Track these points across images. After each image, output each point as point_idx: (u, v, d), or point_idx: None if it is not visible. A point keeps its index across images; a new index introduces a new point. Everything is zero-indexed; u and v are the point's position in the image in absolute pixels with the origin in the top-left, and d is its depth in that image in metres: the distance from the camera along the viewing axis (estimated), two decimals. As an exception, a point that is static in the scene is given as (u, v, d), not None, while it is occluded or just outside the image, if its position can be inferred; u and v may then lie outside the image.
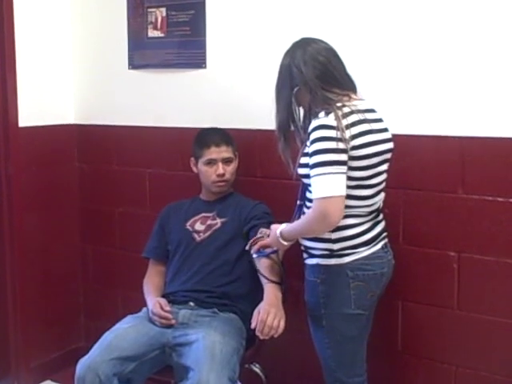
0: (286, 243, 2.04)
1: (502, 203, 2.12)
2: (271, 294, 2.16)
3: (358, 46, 2.30)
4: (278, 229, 2.03)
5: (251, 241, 2.26)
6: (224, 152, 2.44)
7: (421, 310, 2.31)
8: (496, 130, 2.12)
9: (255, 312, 2.08)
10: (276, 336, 2.04)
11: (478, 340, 2.22)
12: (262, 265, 2.25)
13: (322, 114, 1.87)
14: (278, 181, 2.52)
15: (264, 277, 2.21)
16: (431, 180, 2.25)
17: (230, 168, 2.46)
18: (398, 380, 2.40)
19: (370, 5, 2.29)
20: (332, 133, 1.83)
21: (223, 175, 2.44)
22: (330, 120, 1.85)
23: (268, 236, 2.15)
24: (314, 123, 1.87)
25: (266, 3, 2.52)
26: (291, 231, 2.00)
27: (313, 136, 1.86)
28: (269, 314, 2.04)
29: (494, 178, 2.14)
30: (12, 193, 2.88)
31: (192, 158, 2.52)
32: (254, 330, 2.07)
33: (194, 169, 2.52)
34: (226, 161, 2.45)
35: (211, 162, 2.44)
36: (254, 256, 2.24)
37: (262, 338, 2.04)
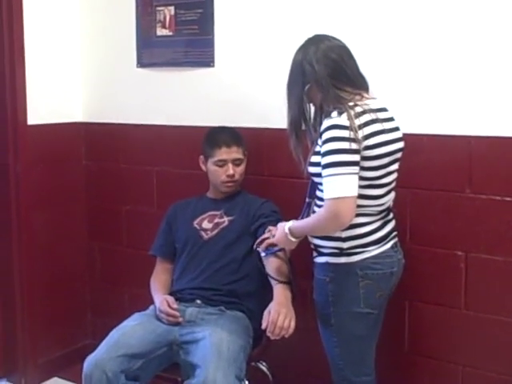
0: (294, 240, 2.03)
1: (509, 203, 2.12)
2: (281, 294, 2.16)
3: (370, 44, 2.29)
4: (287, 225, 2.03)
5: (258, 240, 2.26)
6: (235, 153, 2.44)
7: (428, 310, 2.31)
8: (504, 129, 2.12)
9: (265, 312, 2.08)
10: (287, 336, 2.04)
11: (485, 340, 2.22)
12: (271, 264, 2.25)
13: (334, 113, 1.86)
14: (285, 179, 2.53)
15: (272, 278, 2.21)
16: (438, 179, 2.24)
17: (240, 169, 2.46)
18: (405, 380, 2.40)
19: (382, 4, 2.29)
20: (345, 133, 1.82)
21: (233, 176, 2.43)
22: (343, 120, 1.84)
23: (273, 236, 2.14)
24: (327, 123, 1.86)
25: (274, 1, 2.52)
26: (301, 228, 2.00)
27: (325, 136, 1.85)
28: (279, 315, 2.04)
29: (501, 178, 2.14)
30: (20, 190, 2.89)
31: (201, 157, 2.52)
32: (261, 328, 2.08)
33: (203, 167, 2.52)
34: (236, 162, 2.45)
35: (221, 163, 2.44)
36: (262, 255, 2.24)
37: (272, 338, 2.05)
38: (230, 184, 2.46)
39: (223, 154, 2.42)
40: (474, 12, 2.13)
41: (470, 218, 2.20)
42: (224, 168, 2.43)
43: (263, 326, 2.06)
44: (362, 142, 1.84)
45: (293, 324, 2.06)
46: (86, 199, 3.17)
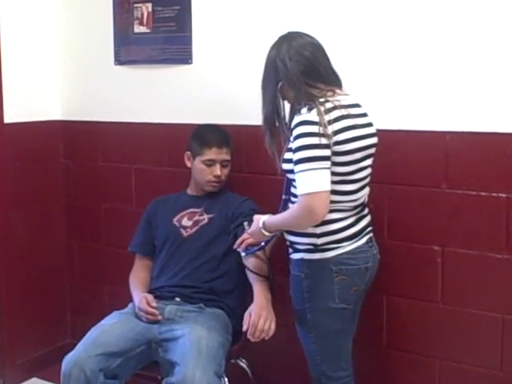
0: (267, 234, 2.04)
1: (484, 197, 2.14)
2: (261, 295, 2.17)
3: (344, 40, 2.31)
4: (261, 219, 2.04)
5: (238, 241, 2.26)
6: (224, 154, 2.44)
7: (405, 305, 2.33)
8: (479, 125, 2.14)
9: (246, 315, 2.09)
10: (267, 338, 2.06)
11: (461, 333, 2.24)
12: (250, 264, 2.26)
13: (304, 109, 1.88)
14: (264, 176, 2.53)
15: (254, 273, 2.22)
16: (415, 175, 2.26)
17: (226, 170, 2.46)
18: (383, 373, 2.42)
19: (355, 1, 2.30)
20: (314, 128, 1.83)
21: (220, 177, 2.43)
22: (313, 116, 1.85)
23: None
24: (297, 119, 1.87)
25: (251, -2, 2.53)
26: (275, 223, 2.01)
27: (295, 132, 1.86)
28: (260, 318, 2.06)
29: (477, 173, 2.16)
30: (-3, 189, 2.87)
31: (188, 153, 2.50)
32: (241, 325, 2.10)
33: (188, 163, 2.51)
34: (224, 163, 2.45)
35: (210, 162, 2.43)
36: (242, 255, 2.25)
37: (253, 340, 2.06)
38: (215, 184, 2.46)
39: (213, 154, 2.42)
40: (448, 5, 2.14)
41: (447, 213, 2.22)
42: (211, 168, 2.43)
43: (244, 329, 2.07)
44: (332, 137, 1.85)
45: (273, 326, 2.08)
46: (64, 197, 3.16)
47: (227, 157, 2.45)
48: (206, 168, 2.43)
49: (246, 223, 2.24)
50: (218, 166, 2.42)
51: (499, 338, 2.17)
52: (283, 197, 2.07)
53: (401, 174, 2.29)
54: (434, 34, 2.18)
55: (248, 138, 2.56)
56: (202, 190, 2.50)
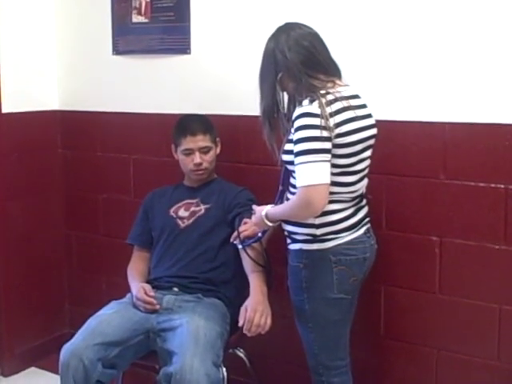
0: (270, 224, 2.04)
1: (483, 188, 2.14)
2: (257, 289, 2.17)
3: (343, 31, 2.30)
4: (264, 210, 2.04)
5: (234, 234, 2.26)
6: (200, 141, 2.42)
7: (403, 295, 2.34)
8: (478, 116, 2.14)
9: (242, 309, 2.10)
10: (263, 333, 2.07)
11: (459, 323, 2.25)
12: (247, 256, 2.26)
13: (305, 101, 1.87)
14: (262, 167, 2.53)
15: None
16: (414, 166, 2.26)
17: (208, 157, 2.45)
18: (381, 364, 2.43)
19: (354, -10, 2.30)
20: (316, 121, 1.83)
21: (200, 164, 2.43)
22: (314, 108, 1.85)
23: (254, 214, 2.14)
24: (298, 111, 1.87)
25: (250, -12, 2.52)
26: (276, 214, 2.01)
27: (297, 124, 1.86)
28: (256, 313, 2.07)
29: (475, 164, 2.16)
30: (-5, 179, 2.86)
31: (172, 145, 2.51)
32: (239, 315, 2.10)
33: (175, 155, 2.52)
34: (203, 150, 2.43)
35: (188, 151, 2.43)
36: (239, 247, 2.25)
37: (249, 335, 2.07)
38: (199, 172, 2.45)
39: (189, 142, 2.41)
40: (447, -2, 2.15)
41: (445, 203, 2.22)
42: (191, 157, 2.42)
43: (240, 324, 2.08)
44: (334, 130, 1.85)
45: (269, 321, 2.09)
46: (62, 188, 3.15)
47: (204, 143, 2.42)
48: (186, 157, 2.43)
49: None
50: (196, 154, 2.41)
51: (496, 329, 2.18)
52: (280, 188, 2.07)
53: (399, 165, 2.29)
54: (432, 25, 2.17)
55: (246, 128, 2.56)
56: (193, 180, 2.50)
